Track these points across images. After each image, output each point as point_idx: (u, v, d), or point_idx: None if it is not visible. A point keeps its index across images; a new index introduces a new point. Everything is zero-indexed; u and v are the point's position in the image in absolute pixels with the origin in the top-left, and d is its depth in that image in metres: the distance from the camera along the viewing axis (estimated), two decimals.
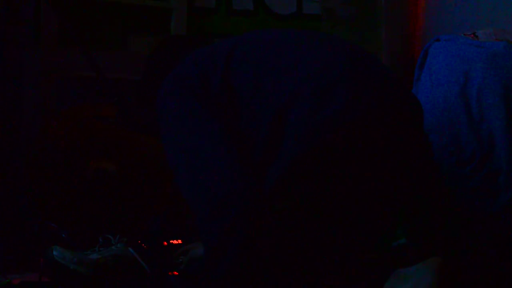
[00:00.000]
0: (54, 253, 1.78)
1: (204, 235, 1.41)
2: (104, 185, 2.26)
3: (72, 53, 2.45)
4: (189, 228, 2.06)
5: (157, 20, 2.75)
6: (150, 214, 2.09)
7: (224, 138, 1.45)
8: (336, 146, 1.35)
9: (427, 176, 1.54)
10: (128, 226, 2.16)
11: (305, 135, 1.36)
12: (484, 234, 1.84)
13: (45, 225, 1.98)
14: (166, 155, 1.52)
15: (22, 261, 1.96)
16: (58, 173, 2.23)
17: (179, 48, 1.81)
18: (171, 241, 2.04)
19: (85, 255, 1.84)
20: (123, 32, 2.69)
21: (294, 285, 1.40)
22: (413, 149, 1.48)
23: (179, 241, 2.05)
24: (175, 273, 1.88)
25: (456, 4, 2.73)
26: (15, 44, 2.27)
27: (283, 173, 1.37)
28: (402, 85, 1.54)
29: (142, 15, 2.72)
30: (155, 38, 2.74)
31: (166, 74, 1.65)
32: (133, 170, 2.30)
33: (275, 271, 1.37)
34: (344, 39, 1.66)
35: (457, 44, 2.05)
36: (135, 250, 1.87)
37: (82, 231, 2.05)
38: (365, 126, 1.37)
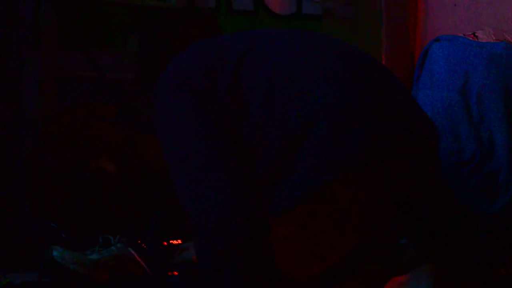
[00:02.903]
0: (54, 253, 1.78)
1: (200, 255, 1.37)
2: (104, 185, 2.26)
3: (72, 53, 2.45)
4: (189, 228, 2.06)
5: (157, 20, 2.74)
6: (150, 214, 2.09)
7: (227, 152, 1.38)
8: (351, 182, 1.31)
9: (434, 184, 1.52)
10: (128, 226, 2.16)
11: (321, 169, 1.31)
12: (484, 234, 1.84)
13: (45, 225, 1.98)
14: (164, 157, 1.46)
15: (22, 261, 1.96)
16: (58, 173, 2.23)
17: (179, 25, 1.74)
18: (171, 241, 2.04)
19: (85, 255, 1.84)
20: (123, 32, 2.69)
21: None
22: (429, 176, 1.45)
23: (179, 241, 2.05)
24: (175, 273, 1.88)
25: (456, 4, 2.73)
26: (15, 44, 2.27)
27: (292, 204, 1.33)
28: (418, 106, 1.50)
29: (142, 15, 2.72)
30: None
31: (165, 55, 1.59)
32: (133, 170, 2.30)
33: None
34: (355, 47, 1.58)
35: (457, 45, 2.05)
36: (135, 250, 1.87)
37: (82, 231, 2.05)
38: (381, 163, 1.34)
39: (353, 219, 1.33)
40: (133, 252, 1.86)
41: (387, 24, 2.98)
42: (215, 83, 1.42)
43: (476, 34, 2.07)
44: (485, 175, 1.92)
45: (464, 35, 2.10)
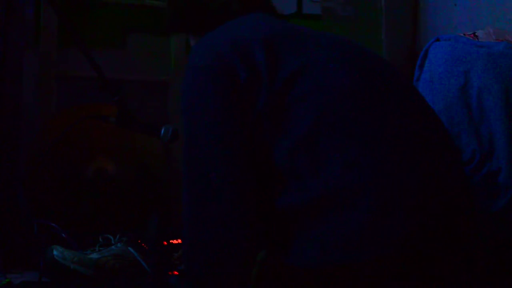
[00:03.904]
0: (54, 253, 1.78)
1: (187, 262, 1.32)
2: (104, 185, 2.26)
3: (72, 53, 2.45)
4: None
5: (157, 20, 2.75)
6: (150, 214, 2.09)
7: (244, 167, 1.30)
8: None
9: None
10: (128, 226, 2.16)
11: (359, 246, 1.22)
12: (484, 234, 1.84)
13: (45, 225, 1.98)
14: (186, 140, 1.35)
15: (22, 261, 1.96)
16: (58, 173, 2.23)
17: None
18: (171, 241, 2.04)
19: (85, 255, 1.84)
20: (123, 32, 2.69)
21: None
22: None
23: (179, 241, 2.05)
24: (175, 273, 1.88)
25: (456, 4, 2.73)
26: (15, 44, 2.27)
27: (322, 266, 1.24)
28: (465, 175, 1.43)
29: (142, 15, 2.72)
30: (155, 38, 2.74)
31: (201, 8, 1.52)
32: (133, 170, 2.30)
33: None
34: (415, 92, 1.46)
35: (457, 44, 2.05)
36: (135, 250, 1.87)
37: (82, 231, 2.05)
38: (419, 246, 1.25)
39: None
40: (133, 252, 1.86)
41: (387, 24, 2.98)
42: (257, 90, 1.31)
43: (477, 34, 2.07)
44: (485, 175, 1.91)
45: (464, 34, 2.10)
